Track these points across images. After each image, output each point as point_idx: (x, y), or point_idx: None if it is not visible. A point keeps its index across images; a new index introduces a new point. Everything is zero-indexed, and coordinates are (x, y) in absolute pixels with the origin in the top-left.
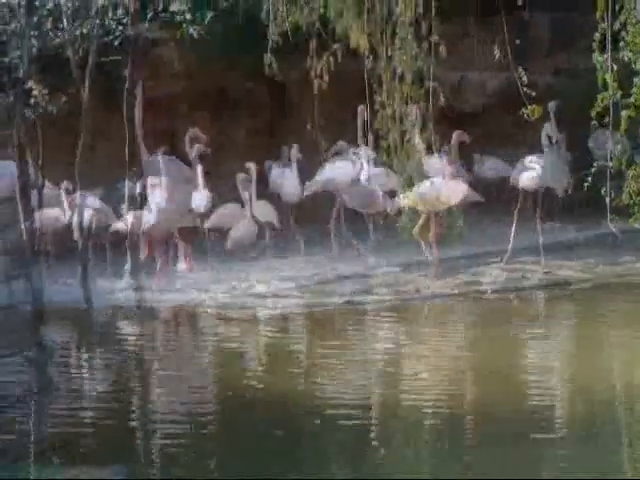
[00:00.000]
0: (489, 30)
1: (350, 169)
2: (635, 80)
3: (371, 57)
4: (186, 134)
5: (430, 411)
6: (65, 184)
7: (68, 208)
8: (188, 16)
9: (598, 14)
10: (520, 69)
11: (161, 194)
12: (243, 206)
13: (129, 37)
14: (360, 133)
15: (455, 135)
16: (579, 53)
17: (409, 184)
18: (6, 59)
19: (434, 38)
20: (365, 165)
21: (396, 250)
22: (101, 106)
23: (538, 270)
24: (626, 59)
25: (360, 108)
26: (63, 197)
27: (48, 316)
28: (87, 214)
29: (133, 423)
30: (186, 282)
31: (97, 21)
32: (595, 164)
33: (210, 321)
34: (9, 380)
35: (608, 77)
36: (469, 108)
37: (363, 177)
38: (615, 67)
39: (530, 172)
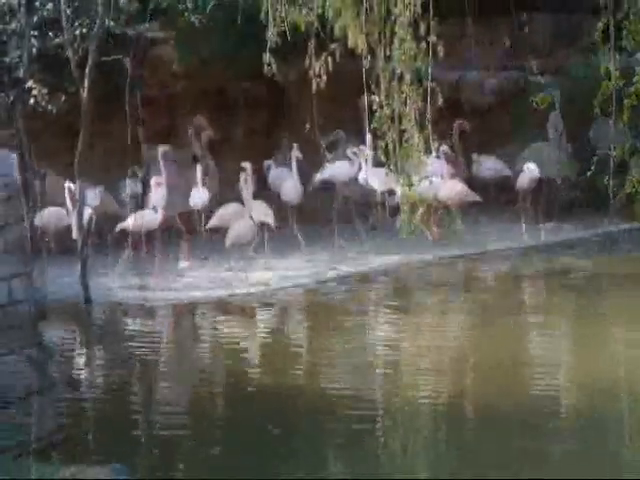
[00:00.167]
0: (487, 30)
1: (349, 168)
2: (637, 69)
3: (369, 57)
4: (189, 128)
5: None
6: (68, 182)
7: (71, 206)
8: (190, 4)
9: (602, 1)
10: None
11: (163, 193)
12: (244, 204)
13: (129, 37)
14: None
15: (456, 125)
16: (577, 53)
17: (408, 183)
18: (6, 59)
19: (432, 38)
20: (364, 164)
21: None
22: (101, 105)
23: None
24: (629, 48)
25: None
26: (67, 195)
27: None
28: (87, 212)
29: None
30: (187, 281)
31: (97, 21)
32: (597, 153)
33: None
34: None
35: (611, 66)
36: (468, 107)
37: (361, 176)
38: (618, 56)
39: (528, 173)
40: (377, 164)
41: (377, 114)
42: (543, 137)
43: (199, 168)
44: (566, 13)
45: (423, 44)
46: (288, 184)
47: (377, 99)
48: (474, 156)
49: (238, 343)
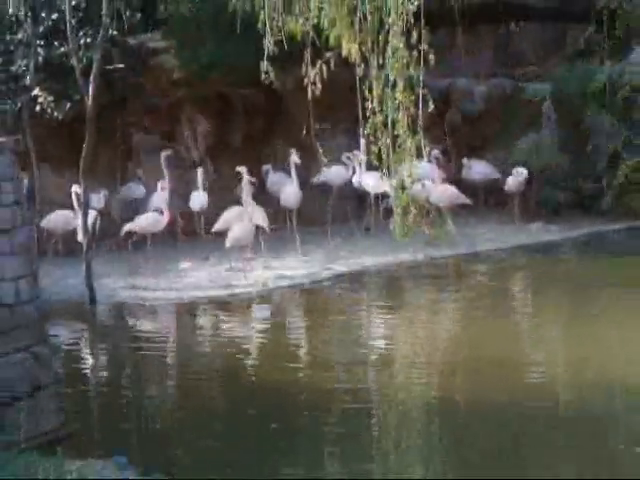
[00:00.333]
0: (476, 39)
1: (344, 172)
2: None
3: (362, 65)
4: (185, 132)
5: None
6: (75, 187)
7: (79, 209)
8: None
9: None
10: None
11: (166, 196)
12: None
13: (131, 46)
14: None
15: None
16: (565, 59)
17: (401, 186)
18: (13, 67)
19: (424, 47)
20: (357, 168)
21: None
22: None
23: None
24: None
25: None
26: (74, 199)
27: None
28: (91, 215)
29: None
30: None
31: (101, 31)
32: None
33: None
34: None
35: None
36: (457, 113)
37: (355, 179)
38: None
39: (517, 175)
40: (370, 168)
41: (370, 120)
42: (536, 129)
43: (200, 172)
44: (553, 22)
45: (415, 52)
46: (288, 189)
47: (370, 105)
48: (464, 160)
49: (237, 340)
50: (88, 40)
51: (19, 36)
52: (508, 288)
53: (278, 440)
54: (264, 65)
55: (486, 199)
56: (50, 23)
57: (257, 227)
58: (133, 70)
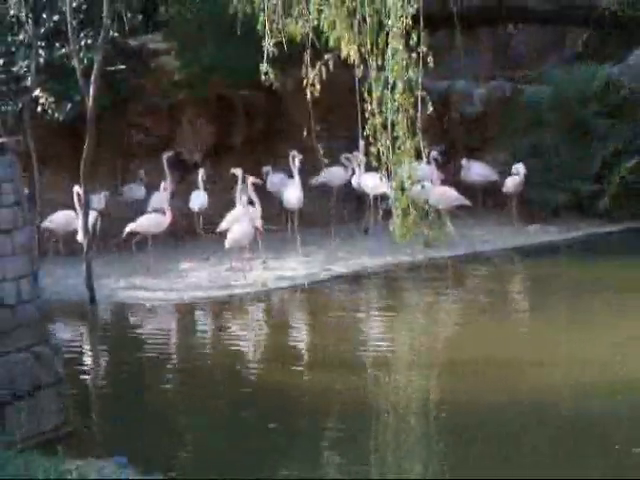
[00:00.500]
0: (475, 42)
1: (343, 173)
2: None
3: (362, 67)
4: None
5: None
6: (76, 188)
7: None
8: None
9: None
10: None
11: (167, 196)
12: (253, 206)
13: (132, 47)
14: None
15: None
16: (564, 62)
17: (400, 188)
18: (15, 68)
19: (423, 49)
20: (357, 169)
21: None
22: (105, 113)
23: None
24: None
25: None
26: (75, 199)
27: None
28: (92, 216)
29: None
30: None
31: (102, 32)
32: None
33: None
34: None
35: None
36: (456, 115)
37: (355, 180)
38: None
39: (515, 172)
40: (369, 169)
41: (370, 121)
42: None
43: (201, 172)
44: (552, 24)
45: (414, 55)
46: (290, 190)
47: (370, 107)
48: (463, 162)
49: (236, 340)
50: (89, 41)
51: (20, 37)
52: (506, 289)
53: (277, 438)
54: (264, 67)
55: (485, 200)
56: (51, 24)
57: (256, 228)
58: (134, 71)
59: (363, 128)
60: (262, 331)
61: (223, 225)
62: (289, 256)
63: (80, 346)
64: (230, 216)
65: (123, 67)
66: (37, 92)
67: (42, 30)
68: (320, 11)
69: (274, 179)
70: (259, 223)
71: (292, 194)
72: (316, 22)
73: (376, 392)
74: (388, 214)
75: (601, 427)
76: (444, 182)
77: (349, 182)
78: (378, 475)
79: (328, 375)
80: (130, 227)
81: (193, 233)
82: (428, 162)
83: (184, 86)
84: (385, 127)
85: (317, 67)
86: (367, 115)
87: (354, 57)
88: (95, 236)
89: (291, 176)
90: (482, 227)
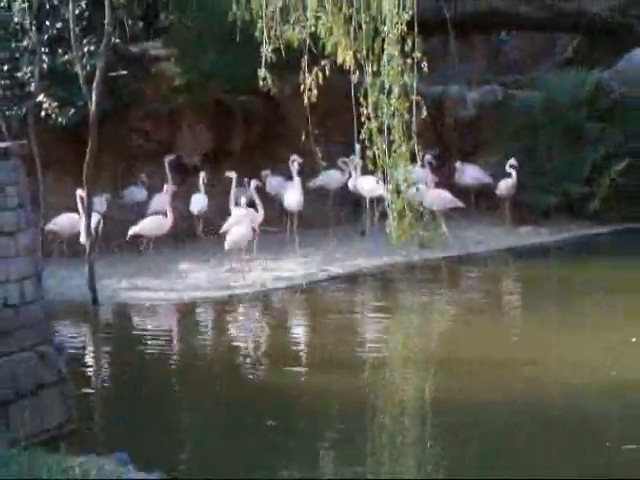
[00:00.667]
0: (468, 48)
1: (340, 176)
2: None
3: (358, 72)
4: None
5: None
6: (79, 191)
7: (83, 212)
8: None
9: None
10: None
11: (169, 199)
12: (257, 210)
13: (134, 54)
14: None
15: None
16: (555, 68)
17: (396, 191)
18: (19, 74)
19: (417, 55)
20: (353, 172)
21: None
22: (107, 118)
23: None
24: None
25: None
26: (78, 202)
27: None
28: (95, 218)
29: None
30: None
31: (104, 39)
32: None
33: None
34: None
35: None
36: (450, 119)
37: (351, 183)
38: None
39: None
40: (365, 172)
41: (366, 125)
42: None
43: (202, 175)
44: (545, 31)
45: (409, 60)
46: (290, 193)
47: (366, 111)
48: (457, 164)
49: (235, 339)
50: (91, 48)
51: (24, 44)
52: (499, 290)
53: (275, 437)
54: (262, 73)
55: (478, 203)
56: (54, 31)
57: (254, 230)
58: (135, 77)
59: (359, 132)
60: (260, 330)
61: (225, 227)
62: (287, 257)
63: (83, 345)
64: (232, 218)
65: (125, 73)
66: (41, 97)
67: (45, 37)
68: (317, 18)
69: (273, 182)
70: (256, 225)
71: (292, 197)
72: (313, 29)
73: (373, 391)
74: (384, 216)
75: (592, 425)
76: (438, 185)
77: (346, 185)
78: (376, 472)
79: (326, 374)
80: (134, 230)
81: (193, 235)
82: (423, 165)
83: (184, 91)
84: (381, 131)
85: (314, 73)
86: (363, 119)
87: (350, 63)
88: (97, 238)
89: (290, 179)
90: (475, 229)
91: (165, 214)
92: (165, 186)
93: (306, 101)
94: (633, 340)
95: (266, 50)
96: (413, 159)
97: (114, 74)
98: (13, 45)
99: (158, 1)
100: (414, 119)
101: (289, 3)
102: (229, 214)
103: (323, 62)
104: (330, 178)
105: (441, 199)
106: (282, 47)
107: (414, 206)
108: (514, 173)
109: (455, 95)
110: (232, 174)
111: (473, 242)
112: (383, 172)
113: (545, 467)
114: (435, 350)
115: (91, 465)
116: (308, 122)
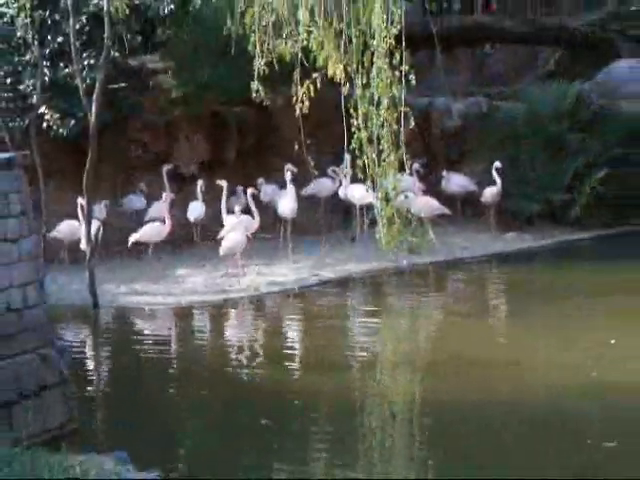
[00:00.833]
0: (454, 61)
1: (331, 184)
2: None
3: (348, 85)
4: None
5: None
6: (80, 199)
7: (83, 219)
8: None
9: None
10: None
11: (167, 207)
12: (253, 217)
13: (132, 67)
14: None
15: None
16: (537, 80)
17: (385, 199)
18: (21, 87)
19: (405, 68)
20: (343, 181)
21: None
22: (107, 129)
23: None
24: None
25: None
26: (79, 210)
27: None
28: (94, 225)
29: None
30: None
31: (103, 53)
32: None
33: None
34: None
35: None
36: (437, 129)
37: (341, 191)
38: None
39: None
40: (355, 181)
41: (356, 135)
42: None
43: (199, 184)
44: (527, 44)
45: (397, 73)
46: (284, 201)
47: (356, 122)
48: (443, 173)
49: (231, 341)
50: (91, 61)
51: (27, 58)
52: (485, 294)
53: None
54: (255, 85)
55: (464, 210)
56: (56, 46)
57: (248, 238)
58: (134, 90)
59: (349, 142)
60: (255, 333)
61: (222, 233)
62: (280, 262)
63: (84, 348)
64: (228, 225)
65: (124, 86)
66: (42, 109)
67: (47, 51)
68: (309, 32)
69: (267, 190)
70: (251, 232)
71: (286, 204)
72: (305, 42)
73: (364, 391)
74: (374, 223)
75: (574, 424)
76: (426, 192)
77: (336, 193)
78: (367, 470)
79: (318, 375)
80: (134, 237)
81: (190, 241)
82: (411, 174)
83: (180, 103)
84: (371, 141)
85: (306, 85)
86: (353, 130)
87: (341, 75)
88: (97, 244)
89: (283, 187)
90: (462, 235)
91: (163, 221)
92: (163, 194)
93: (298, 112)
94: (612, 342)
95: (259, 63)
96: (402, 168)
97: (113, 87)
98: (16, 59)
99: (156, 16)
100: (402, 129)
101: (282, 18)
102: (222, 222)
103: (314, 75)
104: (321, 186)
105: (429, 206)
106: (275, 60)
107: (403, 213)
108: (499, 181)
109: (441, 106)
110: (223, 183)
111: (459, 248)
112: (373, 180)
113: (530, 464)
114: (423, 352)
115: (91, 464)
116: (300, 132)
